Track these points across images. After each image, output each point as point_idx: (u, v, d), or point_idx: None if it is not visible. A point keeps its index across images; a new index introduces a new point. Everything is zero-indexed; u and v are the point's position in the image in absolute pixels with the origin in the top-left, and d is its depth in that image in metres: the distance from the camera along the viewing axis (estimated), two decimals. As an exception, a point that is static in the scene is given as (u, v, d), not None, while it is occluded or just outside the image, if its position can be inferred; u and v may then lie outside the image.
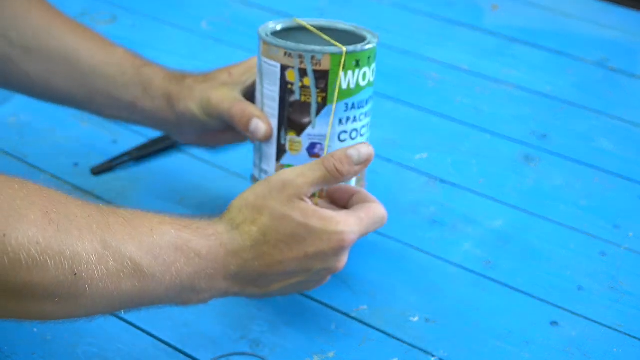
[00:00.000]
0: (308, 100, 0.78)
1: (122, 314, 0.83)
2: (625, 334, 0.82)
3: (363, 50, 0.78)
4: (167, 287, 0.70)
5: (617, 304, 0.86)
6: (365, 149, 0.74)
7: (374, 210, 0.76)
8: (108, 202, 0.97)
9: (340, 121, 0.79)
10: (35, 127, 1.08)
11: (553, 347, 0.81)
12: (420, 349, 0.81)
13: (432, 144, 1.07)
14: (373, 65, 0.80)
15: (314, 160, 0.74)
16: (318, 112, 0.79)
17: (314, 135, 0.79)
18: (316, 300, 0.86)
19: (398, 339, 0.82)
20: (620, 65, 1.22)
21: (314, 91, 0.77)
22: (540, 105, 1.14)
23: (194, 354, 0.80)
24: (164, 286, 0.69)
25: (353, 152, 0.73)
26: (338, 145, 0.80)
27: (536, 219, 0.96)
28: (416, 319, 0.84)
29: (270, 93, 0.79)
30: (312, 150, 0.80)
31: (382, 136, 1.08)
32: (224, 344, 0.81)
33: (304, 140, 0.80)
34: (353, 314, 0.84)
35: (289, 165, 0.81)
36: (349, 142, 0.81)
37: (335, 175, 0.73)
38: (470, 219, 0.96)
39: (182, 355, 0.80)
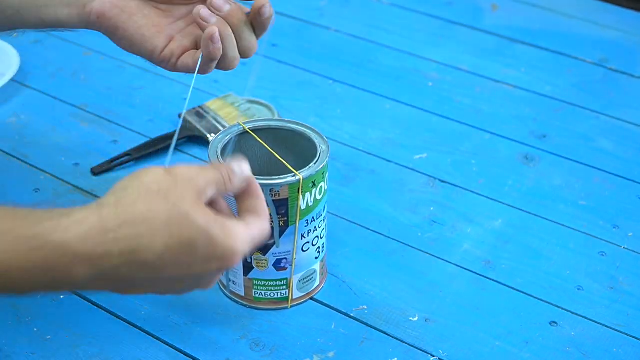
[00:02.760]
0: (270, 225, 0.78)
1: (122, 314, 0.83)
2: (625, 334, 0.83)
3: (317, 171, 0.79)
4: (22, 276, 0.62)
5: (616, 304, 0.86)
6: (246, 168, 0.69)
7: (264, 229, 0.68)
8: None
9: (303, 235, 0.81)
10: (35, 127, 1.08)
11: (553, 347, 0.81)
12: (419, 349, 0.81)
13: (431, 144, 1.07)
14: (326, 175, 0.81)
15: (206, 165, 0.68)
16: (281, 234, 0.80)
17: (279, 253, 0.81)
18: (316, 300, 0.86)
19: (398, 339, 0.82)
20: (619, 65, 1.22)
21: (275, 217, 0.79)
22: (540, 105, 1.14)
23: (194, 354, 0.80)
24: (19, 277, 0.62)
25: (236, 169, 0.68)
26: (302, 255, 0.82)
27: (536, 219, 0.96)
28: (416, 318, 0.84)
29: None
30: (279, 265, 0.82)
31: (382, 136, 1.08)
32: (224, 344, 0.81)
33: (270, 258, 0.82)
34: (353, 314, 0.84)
35: (258, 279, 0.83)
36: (312, 249, 0.83)
37: (227, 183, 0.67)
38: (469, 219, 0.96)
39: (182, 355, 0.80)
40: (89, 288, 0.66)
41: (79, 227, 0.62)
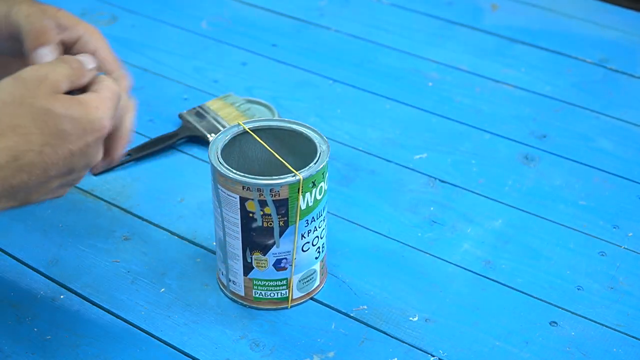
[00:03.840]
0: (270, 225, 0.79)
1: (122, 314, 0.83)
2: (625, 334, 0.83)
3: (317, 171, 0.79)
4: None
5: (616, 304, 0.86)
6: (91, 60, 0.73)
7: (112, 88, 0.72)
8: (108, 203, 0.97)
9: (303, 235, 0.81)
10: (36, 127, 1.08)
11: (553, 347, 0.81)
12: (419, 349, 0.81)
13: (431, 144, 1.07)
14: (326, 175, 0.81)
15: (54, 60, 0.72)
16: (281, 234, 0.80)
17: (279, 253, 0.81)
18: (316, 300, 0.86)
19: (398, 339, 0.82)
20: (619, 65, 1.22)
21: (275, 217, 0.79)
22: (540, 105, 1.14)
23: (194, 354, 0.80)
24: None
25: (83, 60, 0.72)
26: (302, 255, 0.82)
27: (536, 219, 0.96)
28: (416, 318, 0.84)
29: (230, 218, 0.80)
30: (279, 265, 0.82)
31: (382, 136, 1.08)
32: (224, 344, 0.81)
33: (270, 258, 0.82)
34: (353, 314, 0.84)
35: (258, 279, 0.83)
36: (312, 249, 0.83)
37: (79, 75, 0.70)
38: (470, 219, 0.96)
39: (182, 355, 0.80)
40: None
41: None
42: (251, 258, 0.82)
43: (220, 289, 0.86)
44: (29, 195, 0.69)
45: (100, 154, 0.71)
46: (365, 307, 0.85)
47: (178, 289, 0.86)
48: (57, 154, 0.67)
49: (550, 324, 0.83)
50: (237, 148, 0.84)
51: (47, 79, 0.68)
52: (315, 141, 0.82)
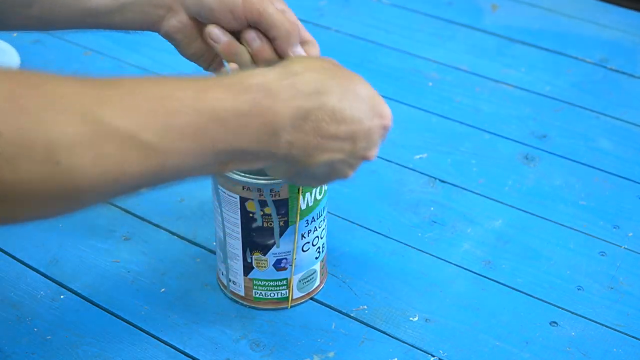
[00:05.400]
0: (270, 225, 0.80)
1: (122, 314, 0.83)
2: (625, 334, 0.83)
3: None
4: (197, 158, 0.60)
5: (616, 304, 0.86)
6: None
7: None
8: (108, 202, 0.97)
9: (303, 235, 0.81)
10: (36, 127, 1.08)
11: (553, 347, 0.81)
12: (420, 349, 0.81)
13: (431, 144, 1.07)
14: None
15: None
16: (281, 234, 0.80)
17: (279, 253, 0.81)
18: (316, 300, 0.86)
19: (398, 339, 0.82)
20: (620, 65, 1.22)
21: (275, 217, 0.79)
22: (540, 105, 1.14)
23: (194, 354, 0.80)
24: (193, 157, 0.60)
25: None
26: (302, 255, 0.82)
27: (536, 219, 0.96)
28: (416, 318, 0.84)
29: (231, 218, 0.81)
30: (279, 265, 0.82)
31: (382, 136, 1.08)
32: (224, 344, 0.81)
33: (270, 258, 0.82)
34: (353, 314, 0.84)
35: (257, 279, 0.82)
36: (312, 249, 0.83)
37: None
38: (470, 219, 0.96)
39: (182, 355, 0.80)
40: (289, 143, 0.66)
41: (267, 73, 0.65)
42: (251, 258, 0.82)
43: (220, 289, 0.86)
44: (320, 151, 0.68)
45: (375, 151, 0.73)
46: (365, 307, 0.85)
47: (178, 289, 0.86)
48: (349, 112, 0.68)
49: (550, 324, 0.83)
50: None
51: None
52: None
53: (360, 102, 0.69)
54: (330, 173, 0.71)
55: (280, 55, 0.75)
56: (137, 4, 0.78)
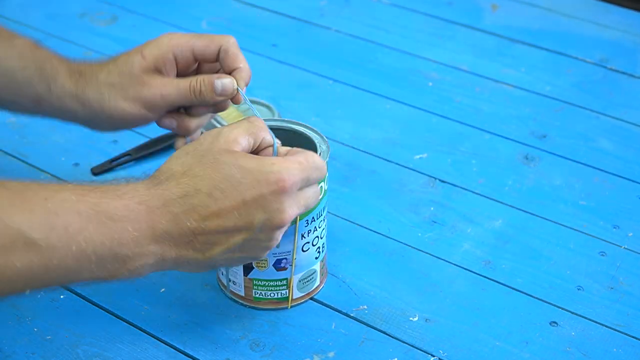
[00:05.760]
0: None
1: (122, 314, 0.83)
2: (625, 334, 0.83)
3: None
4: (78, 260, 0.64)
5: (616, 304, 0.86)
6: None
7: (312, 157, 0.73)
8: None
9: (303, 235, 0.81)
10: (35, 127, 1.08)
11: (553, 347, 0.81)
12: (420, 349, 0.81)
13: (431, 144, 1.07)
14: (326, 175, 0.80)
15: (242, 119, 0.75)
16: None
17: (279, 253, 0.81)
18: (316, 300, 0.86)
19: (398, 339, 0.82)
20: (620, 65, 1.22)
21: None
22: (540, 105, 1.14)
23: (194, 354, 0.80)
24: (73, 259, 0.64)
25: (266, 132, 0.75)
26: (302, 255, 0.82)
27: (536, 219, 0.96)
28: (416, 318, 0.84)
29: None
30: (279, 265, 0.82)
31: (382, 136, 1.08)
32: (224, 344, 0.81)
33: (270, 258, 0.81)
34: (353, 314, 0.84)
35: (257, 279, 0.82)
36: (312, 249, 0.82)
37: (258, 131, 0.73)
38: (470, 219, 0.96)
39: (182, 355, 0.80)
40: (171, 246, 0.69)
41: (138, 184, 0.69)
42: None
43: (220, 289, 0.86)
44: (212, 247, 0.69)
45: (288, 214, 0.70)
46: (365, 307, 0.85)
47: (178, 289, 0.86)
48: (227, 199, 0.68)
49: (550, 324, 0.83)
50: None
51: (223, 136, 0.71)
52: (316, 141, 0.82)
53: (235, 183, 0.69)
54: (241, 257, 0.73)
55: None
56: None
